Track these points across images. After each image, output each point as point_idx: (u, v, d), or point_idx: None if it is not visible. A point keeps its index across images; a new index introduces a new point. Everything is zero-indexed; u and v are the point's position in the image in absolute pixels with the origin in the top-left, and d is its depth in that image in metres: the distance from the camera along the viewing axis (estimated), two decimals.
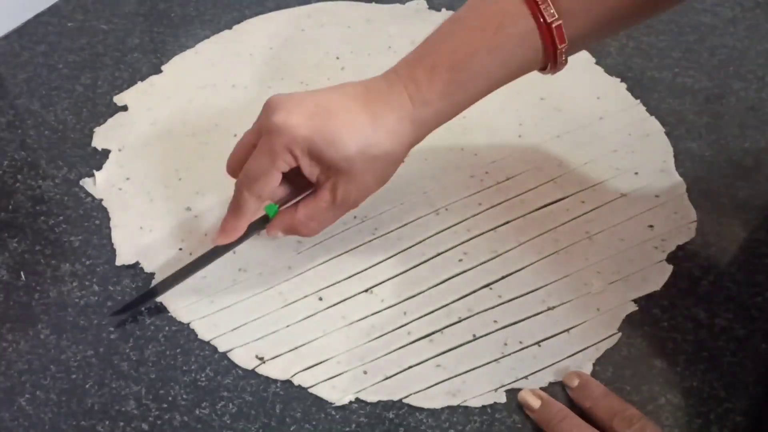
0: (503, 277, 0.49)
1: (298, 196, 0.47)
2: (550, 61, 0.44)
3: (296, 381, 0.45)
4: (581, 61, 0.63)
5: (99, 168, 0.56)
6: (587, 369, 0.44)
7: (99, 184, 0.55)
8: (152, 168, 0.56)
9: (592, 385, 0.43)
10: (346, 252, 0.51)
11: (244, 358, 0.46)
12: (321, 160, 0.43)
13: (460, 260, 0.50)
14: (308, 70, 0.63)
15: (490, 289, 0.48)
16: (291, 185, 0.46)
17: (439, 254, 0.50)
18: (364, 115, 0.43)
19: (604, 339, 0.46)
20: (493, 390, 0.44)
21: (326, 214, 0.46)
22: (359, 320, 0.47)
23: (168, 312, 0.48)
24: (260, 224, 0.47)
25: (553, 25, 0.42)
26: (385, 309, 0.48)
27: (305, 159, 0.44)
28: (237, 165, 0.46)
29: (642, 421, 0.40)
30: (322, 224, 0.46)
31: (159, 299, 0.48)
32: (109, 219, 0.53)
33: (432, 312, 0.47)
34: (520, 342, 0.46)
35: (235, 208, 0.46)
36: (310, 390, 0.44)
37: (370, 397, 0.44)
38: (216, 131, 0.59)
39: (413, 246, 0.51)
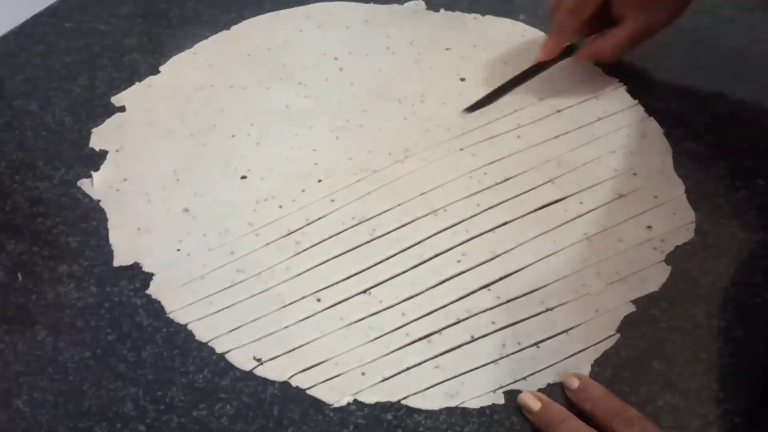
0: (502, 278, 0.49)
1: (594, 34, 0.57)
2: None
3: (294, 382, 0.44)
4: (580, 63, 0.63)
5: (97, 169, 0.56)
6: (586, 370, 0.44)
7: (97, 185, 0.55)
8: (150, 169, 0.56)
9: (591, 387, 0.43)
10: (344, 253, 0.50)
11: (241, 360, 0.45)
12: None
13: (459, 261, 0.50)
14: (306, 71, 0.63)
15: (489, 290, 0.48)
16: (594, 24, 0.57)
17: (437, 255, 0.50)
18: None
19: (602, 340, 0.46)
20: (492, 391, 0.44)
21: (627, 41, 0.56)
22: (357, 321, 0.47)
23: (166, 313, 0.48)
24: (567, 53, 0.59)
25: None
26: (383, 310, 0.47)
27: None
28: (555, 2, 0.58)
29: (642, 423, 0.40)
30: (619, 52, 0.58)
31: (155, 297, 0.48)
32: (106, 220, 0.53)
33: (430, 313, 0.47)
34: (519, 343, 0.46)
35: (557, 30, 0.58)
36: (308, 391, 0.44)
37: (369, 399, 0.44)
38: (214, 132, 0.59)
39: (411, 247, 0.51)
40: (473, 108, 0.59)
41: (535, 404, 0.42)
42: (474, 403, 0.43)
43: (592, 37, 0.58)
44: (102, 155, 0.57)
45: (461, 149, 0.57)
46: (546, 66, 0.59)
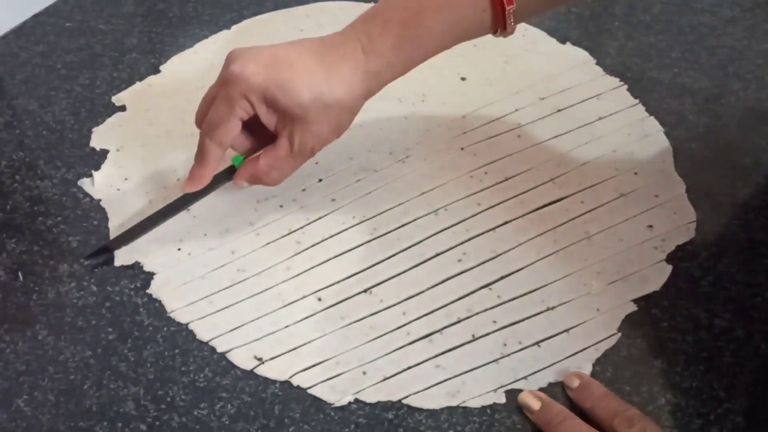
0: (503, 278, 0.49)
1: (263, 148, 0.49)
2: (500, 23, 0.47)
3: (295, 381, 0.44)
4: (580, 62, 0.63)
5: (97, 168, 0.56)
6: (587, 369, 0.44)
7: (97, 185, 0.55)
8: (151, 168, 0.56)
9: (592, 386, 0.43)
10: (345, 252, 0.50)
11: (242, 359, 0.45)
12: (276, 107, 0.46)
13: (460, 260, 0.50)
14: None
15: (490, 289, 0.48)
16: (256, 138, 0.49)
17: (438, 254, 0.50)
18: (318, 65, 0.45)
19: (603, 339, 0.46)
20: (493, 390, 0.44)
21: (286, 163, 0.48)
22: (358, 321, 0.47)
23: (167, 312, 0.48)
24: (227, 175, 0.50)
25: None
26: (384, 309, 0.48)
27: (262, 106, 0.46)
28: (202, 117, 0.48)
29: (643, 422, 0.40)
30: (282, 173, 0.49)
31: (156, 296, 0.48)
32: (107, 219, 0.53)
33: (431, 312, 0.47)
34: (520, 342, 0.46)
35: (200, 157, 0.48)
36: (308, 391, 0.44)
37: (369, 398, 0.44)
38: None
39: (412, 246, 0.51)
40: (113, 247, 0.50)
41: (535, 404, 0.42)
42: (475, 403, 0.43)
43: (251, 158, 0.49)
44: (103, 154, 0.57)
45: (462, 149, 0.57)
46: (199, 195, 0.50)
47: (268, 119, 0.47)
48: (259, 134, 0.48)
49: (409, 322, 0.47)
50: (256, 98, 0.45)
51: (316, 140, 0.47)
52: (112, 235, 0.52)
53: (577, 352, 0.45)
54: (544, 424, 0.42)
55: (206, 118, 0.47)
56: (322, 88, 0.45)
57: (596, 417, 0.41)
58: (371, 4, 0.69)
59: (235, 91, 0.45)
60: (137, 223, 0.51)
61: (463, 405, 0.43)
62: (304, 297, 0.48)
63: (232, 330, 0.47)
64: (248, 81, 0.45)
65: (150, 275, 0.50)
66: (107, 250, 0.50)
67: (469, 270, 0.49)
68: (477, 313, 0.47)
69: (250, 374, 0.45)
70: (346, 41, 0.46)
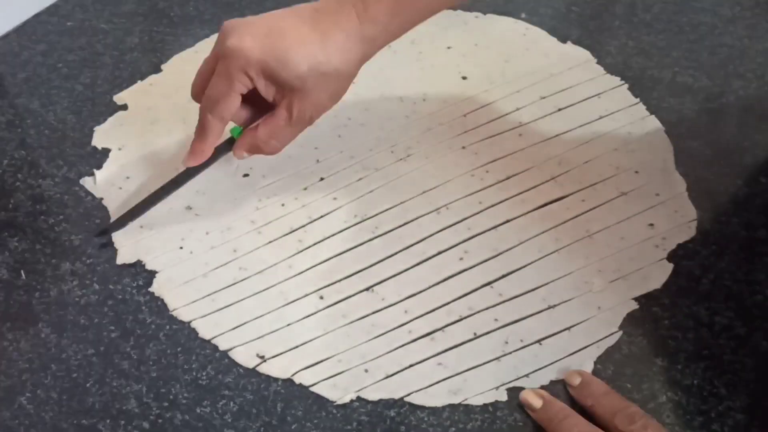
0: (504, 276, 0.49)
1: (261, 117, 0.49)
2: None
3: (297, 379, 0.44)
4: (581, 61, 0.63)
5: (99, 167, 0.56)
6: (588, 367, 0.45)
7: (99, 183, 0.55)
8: (152, 167, 0.56)
9: (593, 384, 0.43)
10: (347, 251, 0.51)
11: (245, 357, 0.46)
12: (275, 79, 0.46)
13: (461, 259, 0.50)
14: None
15: (491, 287, 0.48)
16: (254, 108, 0.49)
17: (439, 253, 0.50)
18: (313, 34, 0.46)
19: (604, 337, 0.46)
20: (495, 388, 0.44)
21: (285, 131, 0.48)
22: (360, 319, 0.47)
23: (169, 311, 0.48)
24: (227, 147, 0.50)
25: None
26: (386, 307, 0.48)
27: (261, 80, 0.46)
28: (199, 90, 0.49)
29: (644, 419, 0.40)
30: (282, 141, 0.49)
31: (158, 295, 0.48)
32: (109, 218, 0.53)
33: (433, 310, 0.47)
34: (521, 340, 0.46)
35: (201, 131, 0.48)
36: (311, 388, 0.44)
37: (371, 396, 0.44)
38: None
39: (414, 244, 0.51)
40: (109, 231, 0.52)
41: (537, 402, 0.43)
42: (477, 400, 0.43)
43: (250, 127, 0.49)
44: (104, 153, 0.57)
45: (463, 147, 0.57)
46: (203, 167, 0.50)
47: (267, 91, 0.47)
48: (256, 104, 0.49)
49: (411, 320, 0.47)
50: (255, 72, 0.46)
51: (315, 109, 0.48)
52: (114, 234, 0.52)
53: (578, 350, 0.45)
54: (545, 422, 0.42)
55: (206, 93, 0.48)
56: (319, 58, 0.45)
57: (597, 414, 0.42)
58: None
59: (234, 66, 0.46)
60: (140, 201, 0.52)
61: (465, 402, 0.43)
62: (306, 295, 0.48)
63: (234, 328, 0.47)
64: (246, 56, 0.45)
65: (152, 274, 0.50)
66: (107, 232, 0.51)
67: (470, 268, 0.49)
68: (478, 311, 0.47)
69: (253, 372, 0.45)
70: (341, 7, 0.46)
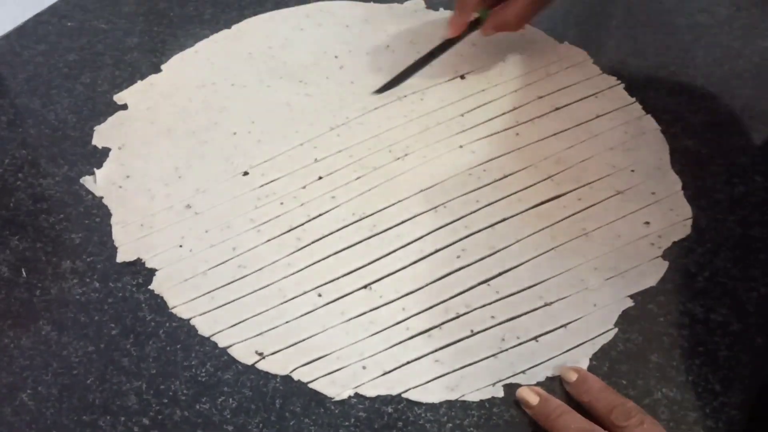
0: (501, 274, 0.49)
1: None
2: None
3: (296, 376, 0.45)
4: (578, 60, 0.64)
5: (99, 166, 0.57)
6: (584, 364, 0.45)
7: (99, 182, 0.55)
8: (152, 166, 0.57)
9: (590, 380, 0.43)
10: (345, 249, 0.51)
11: (244, 354, 0.46)
12: None
13: (458, 257, 0.50)
14: (307, 69, 0.64)
15: (488, 285, 0.49)
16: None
17: (437, 251, 0.51)
18: None
19: (600, 334, 0.46)
20: (491, 384, 0.44)
21: (527, 9, 0.57)
22: (358, 316, 0.47)
23: (168, 308, 0.48)
24: (474, 25, 0.60)
25: None
26: (383, 305, 0.48)
27: None
28: None
29: (640, 415, 0.40)
30: (525, 18, 0.59)
31: (158, 292, 0.49)
32: (109, 216, 0.53)
33: (430, 308, 0.48)
34: (518, 337, 0.46)
35: (459, 6, 0.59)
36: (309, 385, 0.45)
37: (369, 392, 0.44)
38: (215, 130, 0.59)
39: (412, 243, 0.51)
40: (385, 88, 0.61)
41: (533, 399, 0.43)
42: (473, 396, 0.44)
43: (496, 8, 0.59)
44: (104, 153, 0.58)
45: (460, 146, 0.57)
46: (455, 41, 0.61)
47: None
48: None
49: (409, 318, 0.47)
50: None
51: None
52: (114, 233, 0.52)
53: (574, 347, 0.46)
54: (542, 419, 0.42)
55: None
56: None
57: (594, 410, 0.42)
58: (370, 4, 0.70)
59: None
60: (407, 67, 0.61)
61: (462, 399, 0.44)
62: (305, 293, 0.49)
63: (233, 325, 0.47)
64: None
65: (152, 272, 0.50)
66: (388, 87, 0.61)
67: (467, 266, 0.50)
68: (475, 309, 0.47)
69: (252, 369, 0.45)
70: None
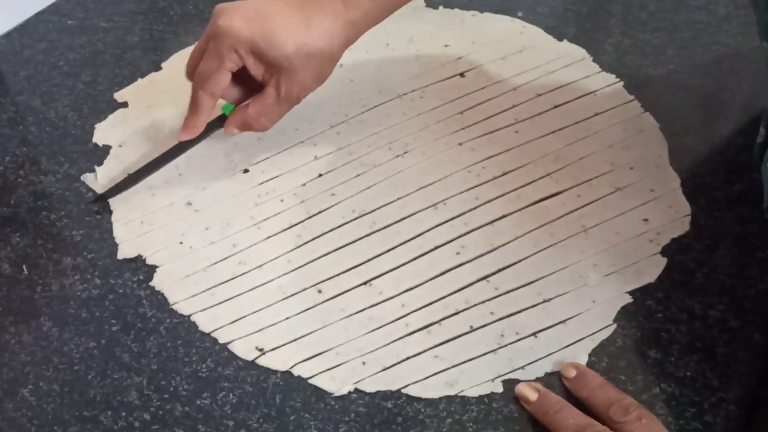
0: (500, 270, 0.49)
1: (251, 97, 0.52)
2: None
3: (296, 372, 0.45)
4: (577, 58, 0.64)
5: (100, 163, 0.57)
6: (583, 360, 0.45)
7: (100, 180, 0.56)
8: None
9: (589, 376, 0.44)
10: (345, 245, 0.51)
11: (244, 350, 0.46)
12: (263, 58, 0.49)
13: (458, 253, 0.50)
14: None
15: (487, 281, 0.49)
16: (245, 88, 0.53)
17: (436, 247, 0.51)
18: (299, 17, 0.49)
19: (599, 330, 0.46)
20: (490, 380, 0.44)
21: (273, 109, 0.52)
22: (358, 312, 0.48)
23: (169, 304, 0.48)
24: (218, 123, 0.53)
25: None
26: (383, 301, 0.48)
27: (250, 58, 0.50)
28: (192, 68, 0.52)
29: (639, 410, 0.40)
30: (271, 119, 0.52)
31: (159, 289, 0.49)
32: (110, 213, 0.54)
33: (430, 304, 0.48)
34: (517, 333, 0.46)
35: (193, 107, 0.52)
36: (309, 380, 0.45)
37: (369, 388, 0.44)
38: None
39: (411, 239, 0.51)
40: (111, 193, 0.54)
41: (532, 395, 0.43)
42: (473, 392, 0.44)
43: (241, 105, 0.52)
44: (105, 150, 0.58)
45: (460, 144, 0.57)
46: (195, 142, 0.54)
47: (256, 70, 0.50)
48: (247, 84, 0.52)
49: (408, 314, 0.47)
50: (244, 51, 0.49)
51: (301, 88, 0.51)
52: (115, 230, 0.52)
53: (573, 343, 0.46)
54: (541, 414, 0.42)
55: (198, 70, 0.50)
56: (305, 40, 0.49)
57: (593, 406, 0.42)
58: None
59: (224, 44, 0.49)
60: (134, 171, 0.54)
61: (461, 394, 0.44)
62: (305, 289, 0.49)
63: (233, 321, 0.47)
64: (236, 35, 0.48)
65: (153, 268, 0.50)
66: (103, 198, 0.54)
67: (467, 263, 0.50)
68: (475, 305, 0.48)
69: (252, 365, 0.46)
70: None
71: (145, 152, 0.57)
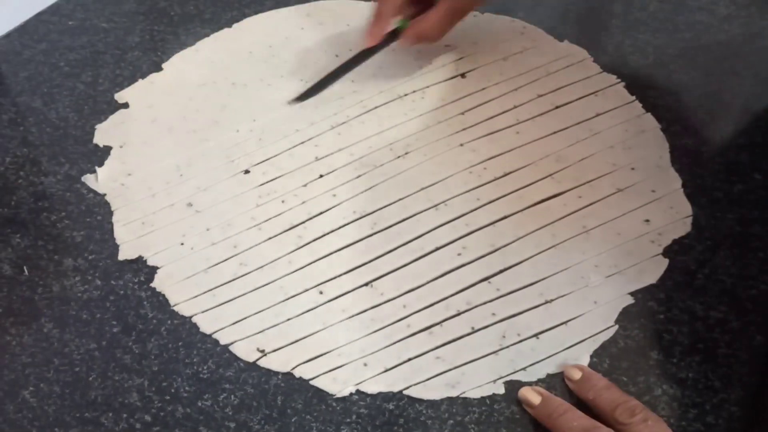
0: (501, 271, 0.49)
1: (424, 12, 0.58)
2: None
3: (297, 373, 0.45)
4: (578, 59, 0.64)
5: (100, 164, 0.57)
6: (584, 361, 0.45)
7: (101, 180, 0.56)
8: (154, 164, 0.57)
9: (594, 378, 0.43)
10: (346, 246, 0.51)
11: (245, 351, 0.46)
12: None
13: (459, 254, 0.50)
14: (307, 68, 0.64)
15: (489, 282, 0.49)
16: (419, 5, 0.59)
17: (438, 248, 0.51)
18: None
19: (601, 331, 0.46)
20: (492, 381, 0.44)
21: (444, 21, 0.58)
22: (359, 313, 0.48)
23: (170, 306, 0.48)
24: (393, 36, 0.60)
25: None
26: (384, 302, 0.48)
27: None
28: None
29: (644, 413, 0.40)
30: (442, 30, 0.59)
31: (160, 290, 0.49)
32: (111, 214, 0.54)
33: (431, 305, 0.48)
34: (519, 334, 0.46)
35: (377, 16, 0.58)
36: (311, 382, 0.45)
37: (371, 389, 0.44)
38: (216, 128, 0.59)
39: (413, 240, 0.51)
40: (302, 98, 0.60)
41: (535, 398, 0.43)
42: (474, 393, 0.44)
43: (415, 19, 0.59)
44: (106, 151, 0.58)
45: (461, 145, 0.57)
46: (373, 51, 0.60)
47: None
48: (421, 2, 0.59)
49: (410, 315, 0.47)
50: None
51: (469, 1, 0.59)
52: (116, 231, 0.52)
53: (574, 344, 0.46)
54: (545, 418, 0.42)
55: None
56: None
57: (598, 408, 0.42)
58: (371, 3, 0.70)
59: None
60: (323, 77, 0.61)
61: (463, 396, 0.44)
62: (306, 290, 0.49)
63: (234, 323, 0.47)
64: None
65: (153, 269, 0.50)
66: (305, 97, 0.60)
67: (468, 264, 0.50)
68: (476, 306, 0.48)
69: (253, 366, 0.46)
70: None
71: (147, 153, 0.57)
